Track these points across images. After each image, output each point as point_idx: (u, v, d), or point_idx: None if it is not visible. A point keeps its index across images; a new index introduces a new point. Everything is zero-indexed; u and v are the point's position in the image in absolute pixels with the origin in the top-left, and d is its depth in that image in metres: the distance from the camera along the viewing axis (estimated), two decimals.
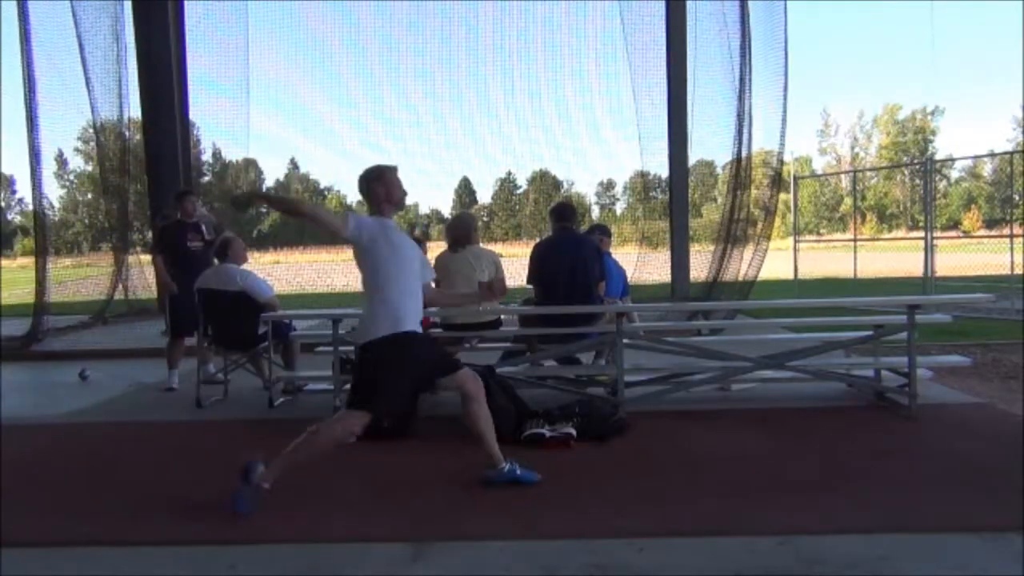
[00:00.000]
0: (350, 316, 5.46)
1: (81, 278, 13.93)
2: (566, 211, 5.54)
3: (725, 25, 10.47)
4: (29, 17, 9.09)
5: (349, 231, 3.29)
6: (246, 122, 12.61)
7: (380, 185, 3.45)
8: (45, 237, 9.99)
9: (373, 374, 3.32)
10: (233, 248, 5.68)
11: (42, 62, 9.75)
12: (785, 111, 10.28)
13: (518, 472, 3.45)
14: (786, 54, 10.15)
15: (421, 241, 5.88)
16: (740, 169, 10.72)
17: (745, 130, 10.33)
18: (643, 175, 15.84)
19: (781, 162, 11.28)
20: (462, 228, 5.40)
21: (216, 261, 5.68)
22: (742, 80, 10.21)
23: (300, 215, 3.30)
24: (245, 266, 5.75)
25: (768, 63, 10.37)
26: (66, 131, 12.40)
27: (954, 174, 51.66)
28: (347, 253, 5.96)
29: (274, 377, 5.36)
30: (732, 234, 10.53)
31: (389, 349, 3.30)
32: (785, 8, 10.09)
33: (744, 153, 10.64)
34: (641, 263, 12.34)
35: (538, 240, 5.70)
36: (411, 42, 18.90)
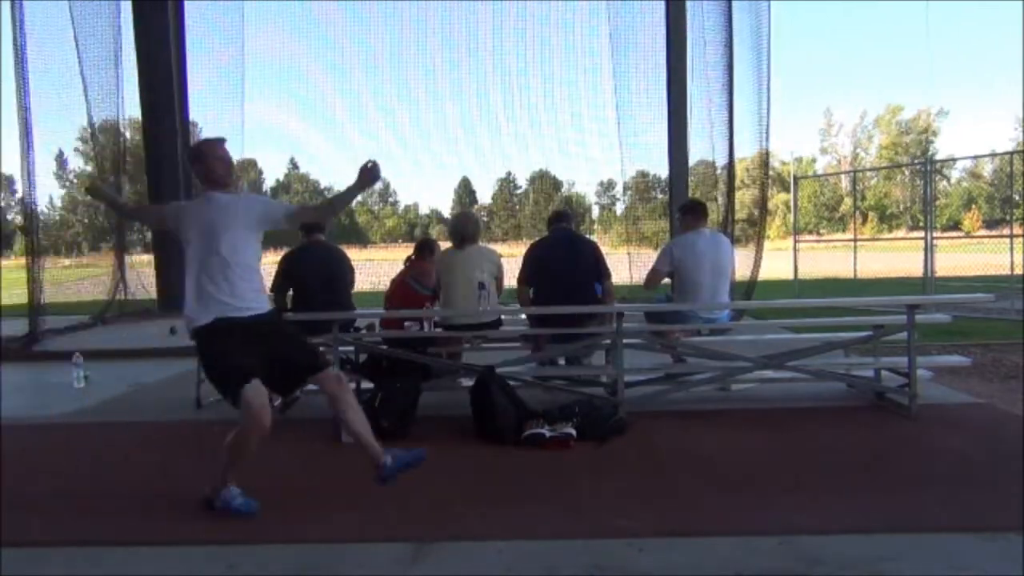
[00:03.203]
0: (349, 317, 5.48)
1: (80, 278, 13.94)
2: (564, 212, 5.82)
3: (721, 26, 10.56)
4: (24, 16, 9.07)
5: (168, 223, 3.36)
6: (245, 122, 12.62)
7: (200, 164, 3.35)
8: (38, 237, 9.96)
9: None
10: None
11: (41, 62, 9.75)
12: (768, 111, 10.38)
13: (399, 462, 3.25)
14: (769, 54, 10.25)
15: (430, 244, 5.87)
16: (733, 169, 10.79)
17: (735, 130, 10.41)
18: (643, 175, 15.85)
19: (767, 158, 11.33)
20: (472, 226, 5.39)
21: None
22: (730, 81, 10.31)
23: (128, 216, 3.29)
24: None
25: (758, 63, 10.46)
26: (66, 131, 12.40)
27: (955, 174, 51.69)
28: (348, 253, 5.96)
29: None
30: (731, 235, 10.55)
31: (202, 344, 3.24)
32: (769, 9, 10.18)
33: (737, 153, 10.71)
34: (641, 263, 12.34)
35: (533, 241, 5.72)
36: (413, 42, 18.93)
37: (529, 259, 5.38)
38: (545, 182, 58.34)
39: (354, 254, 5.78)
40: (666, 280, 5.67)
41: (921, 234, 10.91)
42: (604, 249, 5.80)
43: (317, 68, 32.24)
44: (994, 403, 4.91)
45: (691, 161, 11.66)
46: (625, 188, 16.79)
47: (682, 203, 6.04)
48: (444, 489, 3.50)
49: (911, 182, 48.04)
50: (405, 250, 6.20)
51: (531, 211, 56.81)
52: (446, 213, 56.42)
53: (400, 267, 5.84)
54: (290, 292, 5.54)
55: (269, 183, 58.63)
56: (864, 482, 3.41)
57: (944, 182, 49.34)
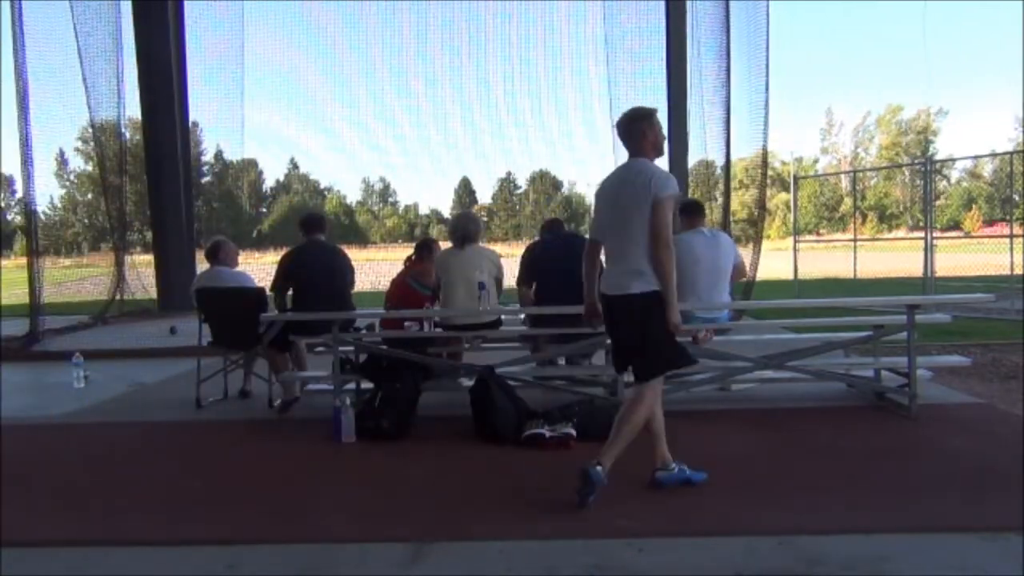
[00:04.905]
0: (349, 317, 5.47)
1: (81, 278, 13.94)
2: (557, 221, 6.03)
3: (720, 26, 10.59)
4: (23, 16, 9.06)
5: None
6: (245, 122, 12.61)
7: (651, 129, 3.39)
8: (38, 237, 9.95)
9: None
10: (224, 250, 5.72)
11: (40, 62, 9.74)
12: (767, 111, 10.41)
13: (688, 472, 3.44)
14: (768, 54, 10.29)
15: (430, 244, 5.85)
16: (729, 169, 10.81)
17: (734, 130, 10.43)
18: None
19: (766, 158, 11.35)
20: (473, 226, 5.33)
21: (208, 264, 5.74)
22: (728, 80, 10.34)
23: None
24: (237, 268, 5.80)
25: (757, 63, 10.48)
26: (66, 131, 12.42)
27: (955, 174, 51.69)
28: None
29: (280, 377, 5.33)
30: (729, 234, 10.58)
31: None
32: (768, 8, 10.21)
33: (737, 153, 10.72)
34: None
35: (531, 242, 5.74)
36: (413, 43, 18.97)
37: (527, 261, 5.39)
38: (545, 182, 58.37)
39: (354, 254, 5.77)
40: None
41: (921, 234, 10.90)
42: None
43: (317, 68, 32.32)
44: (994, 403, 4.91)
45: (690, 161, 11.67)
46: None
47: (680, 204, 5.99)
48: (444, 489, 3.50)
49: (911, 182, 48.06)
50: (405, 250, 6.19)
51: (531, 211, 56.82)
52: (446, 213, 56.43)
53: (400, 267, 5.84)
54: (290, 292, 5.54)
55: (269, 183, 58.69)
56: (864, 482, 3.41)
57: (944, 182, 49.38)
